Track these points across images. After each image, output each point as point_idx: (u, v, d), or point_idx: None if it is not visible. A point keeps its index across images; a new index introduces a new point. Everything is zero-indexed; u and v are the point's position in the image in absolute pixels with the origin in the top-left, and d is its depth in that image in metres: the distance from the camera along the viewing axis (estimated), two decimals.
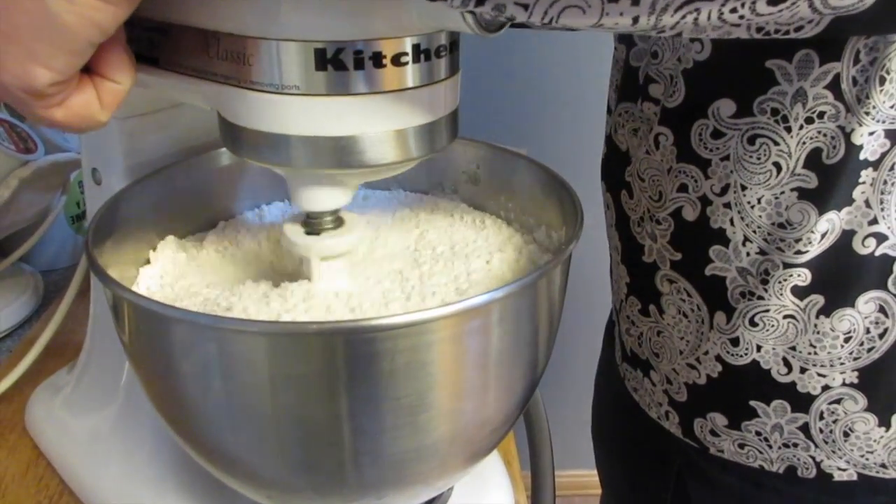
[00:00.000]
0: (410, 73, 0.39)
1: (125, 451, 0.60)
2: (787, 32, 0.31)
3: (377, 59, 0.38)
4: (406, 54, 0.39)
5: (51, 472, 0.65)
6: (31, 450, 0.68)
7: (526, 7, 0.30)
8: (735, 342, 0.57)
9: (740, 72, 0.54)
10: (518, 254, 0.52)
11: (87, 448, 0.63)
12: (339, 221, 0.48)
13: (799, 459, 0.58)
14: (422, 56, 0.39)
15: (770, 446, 0.59)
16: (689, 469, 0.66)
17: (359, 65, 0.38)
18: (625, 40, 0.65)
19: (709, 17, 0.28)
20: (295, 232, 0.47)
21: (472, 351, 0.41)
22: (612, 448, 0.83)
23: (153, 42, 0.43)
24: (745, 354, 0.57)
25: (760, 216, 0.53)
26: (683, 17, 0.28)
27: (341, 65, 0.37)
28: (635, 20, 0.29)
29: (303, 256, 0.47)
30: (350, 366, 0.38)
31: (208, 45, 0.40)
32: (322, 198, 0.45)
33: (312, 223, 0.47)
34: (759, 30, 0.31)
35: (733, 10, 0.28)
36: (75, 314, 0.74)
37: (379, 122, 0.40)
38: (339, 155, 0.40)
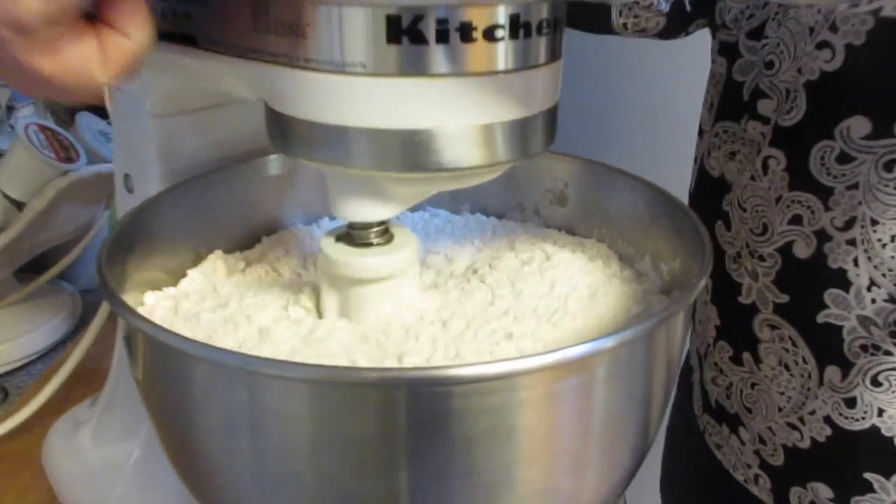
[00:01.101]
0: (504, 52, 0.31)
1: (147, 493, 0.53)
2: None
3: (465, 31, 0.29)
4: (501, 27, 0.30)
5: None
6: (45, 492, 0.60)
7: None
8: (851, 403, 0.50)
9: (880, 84, 0.45)
10: (625, 290, 0.42)
11: (105, 489, 0.56)
12: (387, 236, 0.39)
13: None
14: (521, 31, 0.31)
15: None
16: None
17: (442, 37, 0.29)
18: (727, 52, 0.56)
19: None
20: (332, 246, 0.39)
21: (571, 414, 0.31)
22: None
23: (189, 16, 0.36)
24: (864, 418, 0.50)
25: (894, 257, 0.46)
26: None
27: (420, 36, 0.29)
28: None
29: (341, 277, 0.38)
30: (414, 428, 0.29)
31: (255, 16, 0.32)
32: (367, 206, 0.36)
33: (354, 236, 0.39)
34: None
35: None
36: (109, 338, 0.67)
37: (461, 114, 0.31)
38: (408, 153, 0.32)
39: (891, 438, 0.50)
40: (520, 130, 0.33)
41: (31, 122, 0.75)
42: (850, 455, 0.51)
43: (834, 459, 0.52)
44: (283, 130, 0.34)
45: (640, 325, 0.31)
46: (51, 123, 0.79)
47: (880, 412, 0.49)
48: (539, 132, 0.34)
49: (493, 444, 0.30)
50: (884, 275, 0.46)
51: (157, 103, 0.45)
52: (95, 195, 0.80)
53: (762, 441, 0.57)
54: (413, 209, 0.51)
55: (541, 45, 0.32)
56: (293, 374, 0.29)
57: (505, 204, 0.53)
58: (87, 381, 0.70)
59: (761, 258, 0.52)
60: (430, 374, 0.29)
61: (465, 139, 0.32)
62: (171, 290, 0.43)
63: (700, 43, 0.65)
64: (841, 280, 0.48)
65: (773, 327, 0.53)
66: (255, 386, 0.29)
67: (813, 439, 0.53)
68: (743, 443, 0.59)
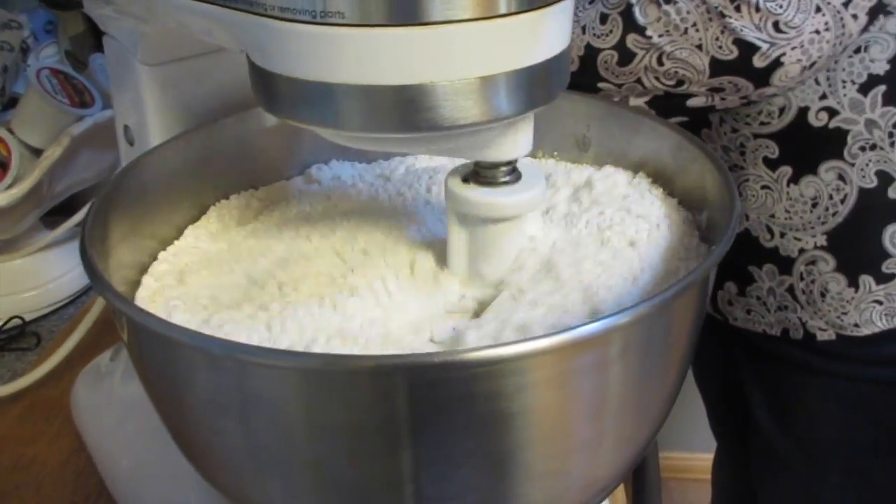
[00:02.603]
0: None
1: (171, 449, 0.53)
2: None
3: None
4: None
5: (90, 468, 0.58)
6: (74, 439, 0.61)
7: None
8: None
9: None
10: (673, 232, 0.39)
11: (130, 444, 0.56)
12: (516, 174, 0.36)
13: (790, 321, 0.65)
14: None
15: (768, 310, 0.66)
16: (723, 350, 0.75)
17: None
18: None
19: None
20: (460, 186, 0.36)
21: (582, 395, 0.29)
22: None
23: None
24: (740, 224, 0.62)
25: None
26: None
27: None
28: None
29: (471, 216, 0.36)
30: (415, 413, 0.27)
31: None
32: (502, 143, 0.33)
33: (482, 175, 0.36)
34: None
35: None
36: None
37: (459, 66, 0.28)
38: (402, 112, 0.29)
39: (756, 237, 0.64)
40: (525, 81, 0.30)
41: (44, 67, 0.73)
42: (738, 254, 0.64)
43: (732, 260, 0.61)
44: (266, 87, 0.31)
45: (658, 297, 0.28)
46: (65, 67, 0.77)
47: (747, 217, 0.63)
48: (548, 81, 0.31)
49: (498, 427, 0.28)
50: (726, 111, 0.60)
51: (147, 52, 0.43)
52: (113, 139, 0.79)
53: None
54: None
55: None
56: (283, 362, 0.27)
57: None
58: (114, 327, 0.71)
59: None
60: (426, 360, 0.27)
61: (462, 94, 0.28)
62: (171, 254, 0.41)
63: None
64: (706, 121, 0.62)
65: None
66: (243, 374, 0.28)
67: None
68: None
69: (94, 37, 0.82)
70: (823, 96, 0.57)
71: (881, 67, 0.56)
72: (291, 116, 0.31)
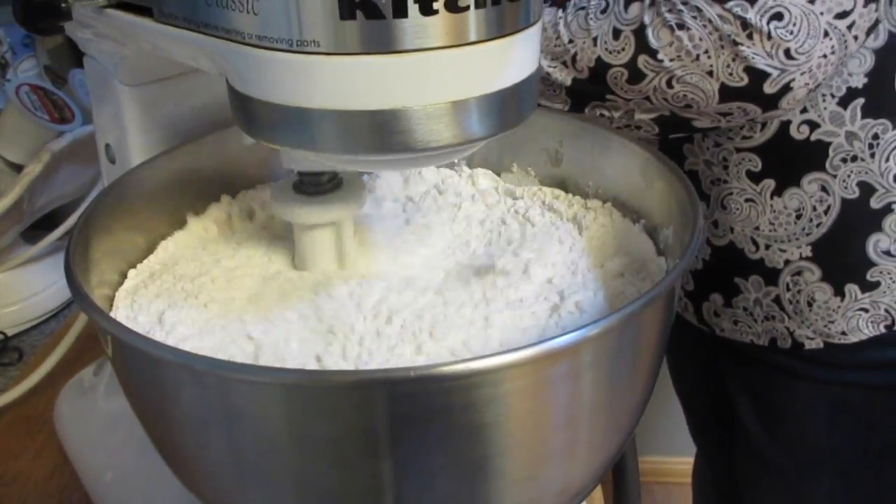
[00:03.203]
0: (473, 22, 0.28)
1: (154, 461, 0.53)
2: None
3: (426, 3, 0.27)
4: None
5: (75, 481, 0.58)
6: (58, 453, 0.61)
7: None
8: (715, 225, 0.65)
9: None
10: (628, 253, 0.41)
11: (114, 447, 0.57)
12: (336, 182, 0.39)
13: (777, 331, 0.66)
14: None
15: (755, 320, 0.67)
16: (706, 359, 0.76)
17: (400, 10, 0.27)
18: None
19: None
20: (282, 193, 0.38)
21: (555, 403, 0.30)
22: (668, 359, 0.88)
23: None
24: (724, 236, 0.65)
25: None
26: None
27: (375, 10, 0.27)
28: None
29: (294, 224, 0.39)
30: (394, 425, 0.28)
31: None
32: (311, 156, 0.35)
33: (304, 182, 0.38)
34: None
35: None
36: None
37: (430, 91, 0.29)
38: (376, 136, 0.30)
39: (741, 250, 0.64)
40: (496, 104, 0.31)
41: (23, 83, 0.73)
42: (723, 266, 0.66)
43: (717, 273, 0.67)
44: (244, 111, 0.32)
45: (626, 308, 0.30)
46: (45, 83, 0.77)
47: (731, 230, 0.64)
48: (518, 103, 0.32)
49: (475, 437, 0.29)
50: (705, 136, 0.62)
51: (127, 73, 0.43)
52: (94, 154, 0.79)
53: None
54: None
55: (513, 10, 0.29)
56: (264, 378, 0.28)
57: (495, 163, 0.50)
58: (97, 341, 0.71)
59: (638, 127, 0.62)
60: (405, 374, 0.28)
61: (434, 118, 0.30)
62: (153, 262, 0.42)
63: None
64: (689, 137, 0.63)
65: None
66: (226, 390, 0.29)
67: (704, 260, 0.68)
68: None
69: (73, 51, 0.82)
70: (804, 110, 0.58)
71: (859, 81, 0.57)
72: (269, 139, 0.32)
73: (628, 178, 0.43)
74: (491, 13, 0.28)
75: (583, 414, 0.32)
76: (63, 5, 0.35)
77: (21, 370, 0.73)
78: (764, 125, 0.59)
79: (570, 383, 0.30)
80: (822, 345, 0.65)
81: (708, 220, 0.65)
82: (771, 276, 0.64)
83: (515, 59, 0.31)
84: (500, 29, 0.29)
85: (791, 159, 0.60)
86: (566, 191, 0.48)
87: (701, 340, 0.73)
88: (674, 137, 0.63)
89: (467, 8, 0.28)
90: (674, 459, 1.68)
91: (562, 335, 0.28)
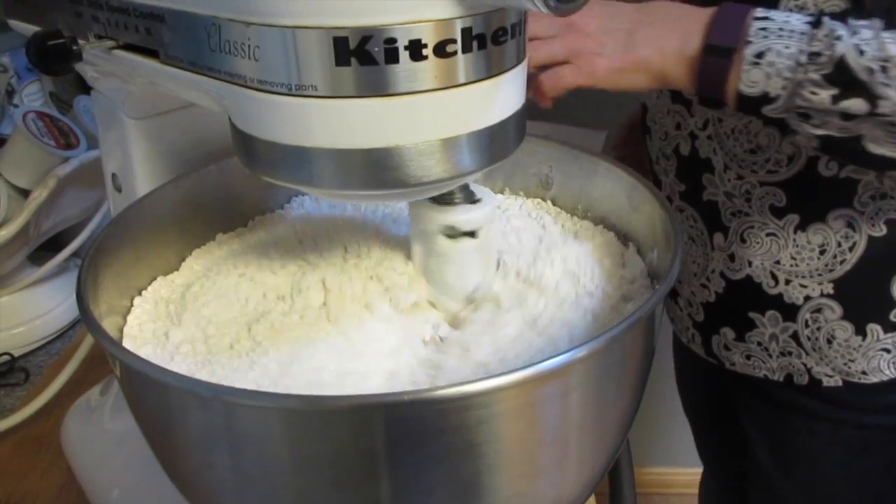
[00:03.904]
0: (461, 66, 0.30)
1: (160, 479, 0.55)
2: None
3: (416, 50, 0.29)
4: (454, 41, 0.29)
5: (82, 500, 0.60)
6: (65, 472, 0.63)
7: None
8: (732, 258, 0.63)
9: None
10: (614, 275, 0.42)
11: (121, 465, 0.58)
12: (469, 194, 0.40)
13: (794, 367, 0.64)
14: (475, 43, 0.30)
15: (770, 355, 0.64)
16: (717, 389, 0.72)
17: (391, 57, 0.29)
18: None
19: None
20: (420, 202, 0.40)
21: (544, 422, 0.32)
22: (678, 384, 0.87)
23: (150, 31, 0.36)
24: (741, 269, 0.63)
25: (735, 145, 0.58)
26: None
27: (369, 58, 0.29)
28: None
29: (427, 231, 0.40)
30: (391, 446, 0.30)
31: (208, 35, 0.32)
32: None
33: (440, 197, 0.40)
34: None
35: None
36: None
37: (421, 130, 0.31)
38: (371, 172, 0.31)
39: (759, 284, 0.62)
40: (484, 139, 0.33)
41: (30, 109, 0.75)
42: (737, 300, 0.64)
43: (731, 306, 0.65)
44: (246, 147, 0.34)
45: (612, 330, 0.31)
46: (50, 109, 0.79)
47: (750, 263, 0.62)
48: (505, 137, 0.34)
49: (468, 455, 0.31)
50: (731, 159, 0.59)
51: (133, 107, 0.45)
52: (98, 178, 0.81)
53: (690, 304, 0.69)
54: None
55: (501, 52, 0.31)
56: (266, 403, 0.30)
57: (490, 187, 0.52)
58: (103, 361, 0.72)
59: (667, 157, 0.65)
60: (400, 399, 0.30)
61: (426, 155, 0.31)
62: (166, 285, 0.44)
63: None
64: (709, 167, 0.61)
65: (681, 210, 0.64)
66: (230, 414, 0.30)
67: (716, 293, 0.65)
68: (681, 309, 0.71)
69: (78, 78, 0.84)
70: None
71: None
72: (269, 175, 0.34)
73: (616, 202, 0.45)
74: (478, 57, 0.30)
75: (571, 431, 0.34)
76: (74, 48, 0.37)
77: (27, 390, 0.75)
78: (791, 159, 0.57)
79: (558, 403, 0.32)
80: (840, 383, 0.63)
81: (724, 253, 0.63)
82: (790, 311, 0.62)
83: (501, 97, 0.33)
84: (487, 70, 0.31)
85: (817, 195, 0.58)
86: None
87: (711, 372, 0.71)
88: (694, 168, 0.62)
89: (455, 53, 0.30)
90: (675, 470, 1.68)
91: (548, 359, 0.29)
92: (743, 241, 0.61)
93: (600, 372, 0.33)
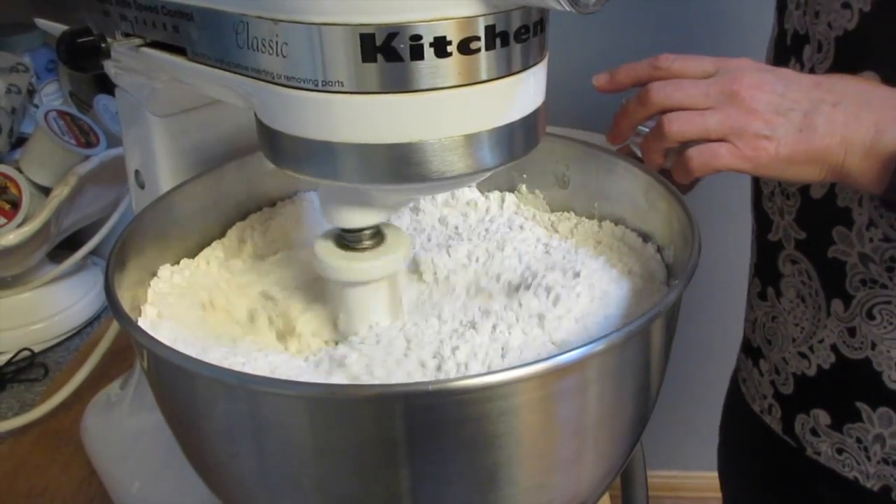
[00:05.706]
0: (484, 63, 0.31)
1: (179, 471, 0.56)
2: None
3: (440, 46, 0.29)
4: (478, 38, 0.30)
5: (102, 493, 0.61)
6: (85, 466, 0.64)
7: None
8: (852, 332, 0.52)
9: (884, 44, 0.47)
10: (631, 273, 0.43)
11: (141, 458, 0.59)
12: (378, 238, 0.40)
13: (895, 479, 0.53)
14: (498, 41, 0.31)
15: (868, 458, 0.54)
16: (783, 470, 0.62)
17: (417, 54, 0.29)
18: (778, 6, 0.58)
19: None
20: (327, 250, 0.39)
21: (563, 415, 0.32)
22: (722, 443, 0.77)
23: (178, 29, 0.36)
24: (861, 348, 0.52)
25: None
26: None
27: (394, 54, 0.29)
28: None
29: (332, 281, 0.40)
30: (411, 436, 0.31)
31: (235, 33, 0.33)
32: (354, 213, 0.37)
33: (346, 239, 0.39)
34: None
35: None
36: None
37: (444, 126, 0.31)
38: (394, 167, 0.32)
39: (879, 373, 0.51)
40: (505, 136, 0.33)
41: (51, 108, 0.76)
42: (847, 383, 0.54)
43: (834, 387, 0.55)
44: (272, 143, 0.34)
45: (630, 325, 0.32)
46: (71, 109, 0.80)
47: (873, 345, 0.51)
48: (526, 134, 0.34)
49: (487, 447, 0.32)
50: (881, 215, 0.48)
51: (157, 104, 0.46)
52: (119, 175, 0.82)
53: (777, 371, 0.59)
54: None
55: (521, 50, 0.32)
56: (291, 391, 0.31)
57: (504, 183, 0.53)
58: (122, 357, 0.73)
59: (787, 197, 0.54)
60: (421, 388, 0.30)
61: (449, 150, 0.32)
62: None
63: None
64: (846, 218, 0.50)
65: (793, 262, 0.55)
66: (255, 401, 0.31)
67: (819, 367, 0.55)
68: (762, 374, 0.61)
69: (96, 77, 0.86)
70: None
71: None
72: (295, 169, 0.34)
73: (632, 200, 0.45)
74: (500, 54, 0.31)
75: (589, 424, 0.34)
76: (103, 45, 0.37)
77: (47, 385, 0.76)
78: None
79: (577, 396, 0.32)
80: None
81: (843, 325, 0.53)
82: None
83: (524, 94, 0.33)
84: (509, 67, 0.32)
85: None
86: (575, 213, 0.50)
87: (782, 452, 0.61)
88: (825, 216, 0.53)
89: (478, 50, 0.30)
90: (686, 474, 1.68)
91: (568, 351, 0.30)
92: (871, 317, 0.51)
93: (619, 365, 0.33)
